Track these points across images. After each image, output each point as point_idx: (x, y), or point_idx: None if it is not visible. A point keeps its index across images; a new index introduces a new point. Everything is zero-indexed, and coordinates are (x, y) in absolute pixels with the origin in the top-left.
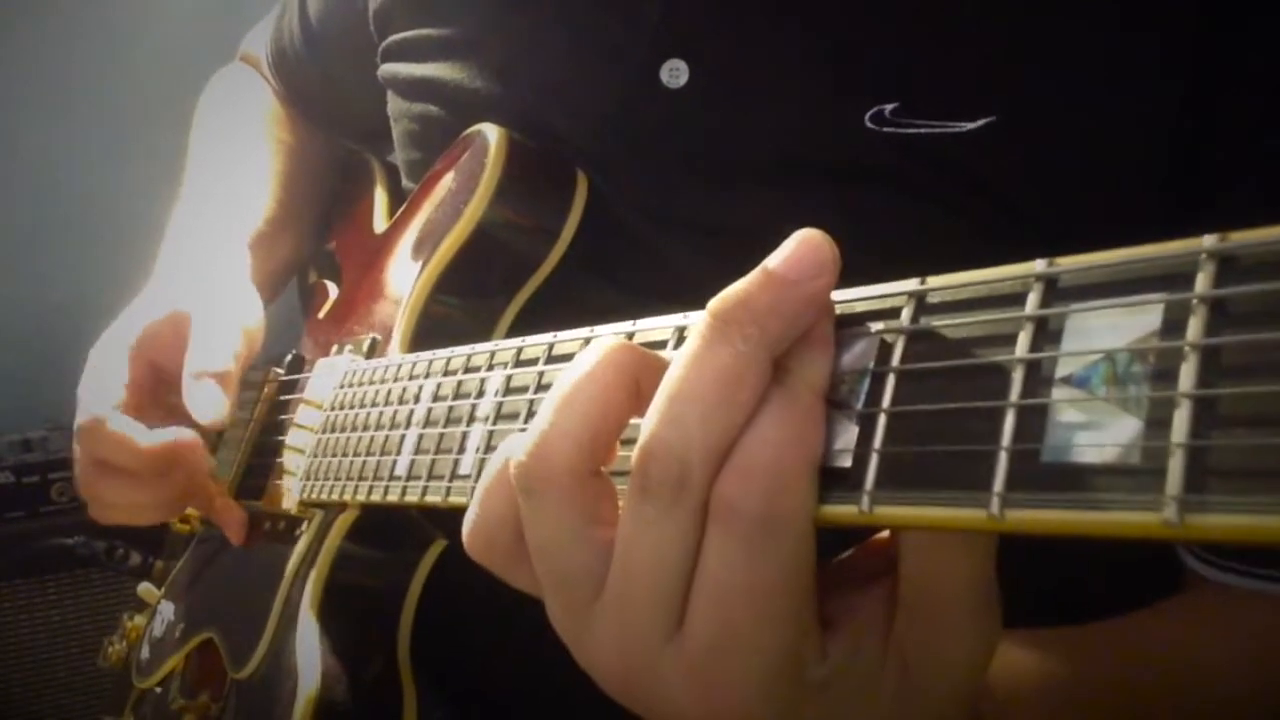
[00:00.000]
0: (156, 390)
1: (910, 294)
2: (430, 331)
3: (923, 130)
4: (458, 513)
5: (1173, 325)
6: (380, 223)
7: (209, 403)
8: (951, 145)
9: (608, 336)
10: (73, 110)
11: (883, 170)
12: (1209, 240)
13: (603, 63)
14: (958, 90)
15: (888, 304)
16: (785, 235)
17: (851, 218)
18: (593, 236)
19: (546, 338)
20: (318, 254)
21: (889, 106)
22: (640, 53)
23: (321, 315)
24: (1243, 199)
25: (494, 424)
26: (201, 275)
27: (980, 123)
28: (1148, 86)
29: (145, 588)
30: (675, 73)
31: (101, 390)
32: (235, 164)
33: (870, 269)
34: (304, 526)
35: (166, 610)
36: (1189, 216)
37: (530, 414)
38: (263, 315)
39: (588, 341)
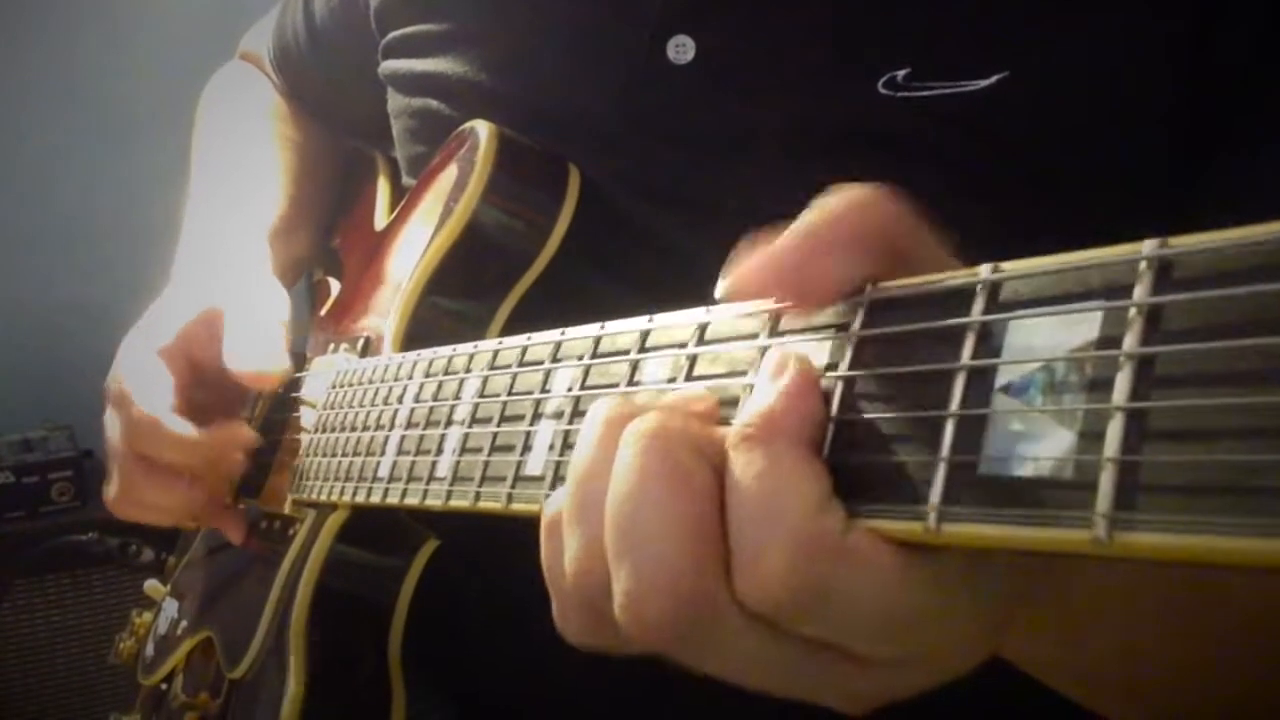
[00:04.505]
0: (194, 388)
1: (860, 303)
2: (423, 330)
3: (936, 91)
4: (445, 514)
5: (1110, 335)
6: (381, 219)
7: (265, 360)
8: (966, 104)
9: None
10: (73, 110)
11: (897, 136)
12: (1148, 247)
13: (607, 45)
14: (970, 48)
15: (838, 314)
16: (797, 208)
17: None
18: (588, 230)
19: (520, 340)
20: (324, 251)
21: (902, 72)
22: (645, 31)
23: (323, 313)
24: (1258, 150)
25: (469, 427)
26: (225, 270)
27: (993, 79)
28: (1160, 32)
29: (151, 584)
30: (681, 48)
31: (148, 391)
32: (244, 160)
33: None
34: (297, 527)
35: (170, 607)
36: (1204, 170)
37: (504, 417)
38: (289, 307)
39: (559, 346)
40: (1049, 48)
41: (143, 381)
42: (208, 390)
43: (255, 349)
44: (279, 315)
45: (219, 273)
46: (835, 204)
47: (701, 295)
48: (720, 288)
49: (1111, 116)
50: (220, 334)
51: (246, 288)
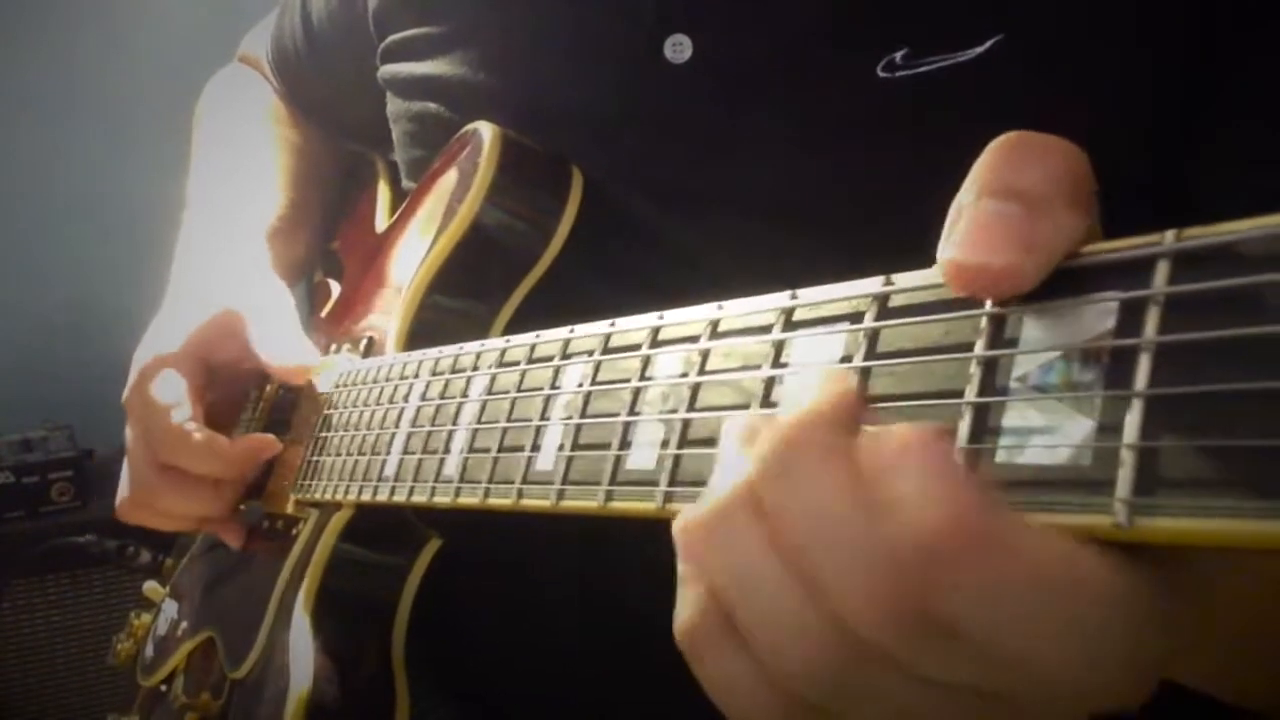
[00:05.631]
0: (207, 391)
1: (874, 296)
2: (426, 330)
3: (934, 65)
4: (449, 514)
5: (1127, 324)
6: (381, 221)
7: (300, 353)
8: (963, 73)
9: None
10: (73, 110)
11: (897, 117)
12: (1168, 237)
13: (605, 45)
14: (965, 15)
15: (852, 306)
16: (799, 201)
17: (868, 172)
18: (591, 230)
19: (529, 338)
20: (324, 253)
21: (900, 53)
22: (642, 31)
23: (324, 314)
24: (1249, 125)
25: (478, 424)
26: (229, 274)
27: (988, 43)
28: None
29: (150, 586)
30: (679, 47)
31: (165, 400)
32: (242, 163)
33: (889, 218)
34: (300, 526)
35: (170, 608)
36: (1205, 139)
37: (511, 416)
38: (294, 305)
39: (568, 342)
40: (1044, 7)
41: (158, 391)
42: (217, 392)
43: (285, 343)
44: (289, 312)
45: (224, 276)
46: (1046, 155)
47: (704, 292)
48: (950, 254)
49: (1111, 75)
50: (238, 334)
51: (253, 288)
